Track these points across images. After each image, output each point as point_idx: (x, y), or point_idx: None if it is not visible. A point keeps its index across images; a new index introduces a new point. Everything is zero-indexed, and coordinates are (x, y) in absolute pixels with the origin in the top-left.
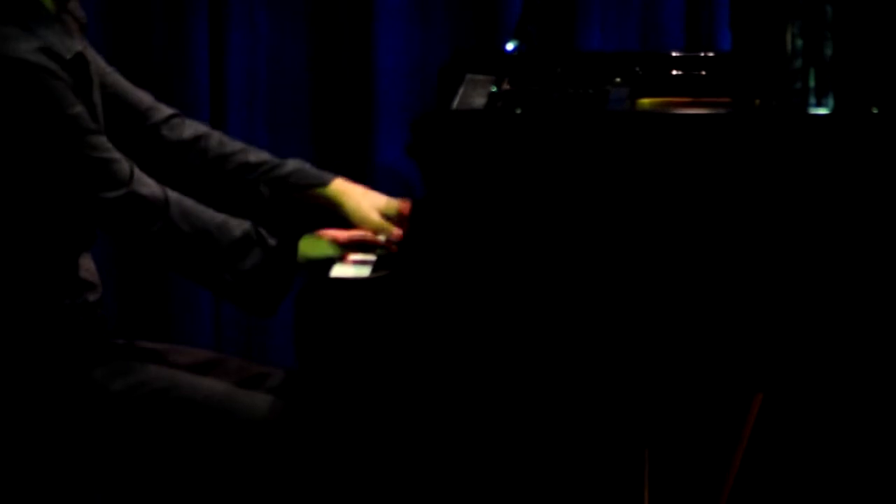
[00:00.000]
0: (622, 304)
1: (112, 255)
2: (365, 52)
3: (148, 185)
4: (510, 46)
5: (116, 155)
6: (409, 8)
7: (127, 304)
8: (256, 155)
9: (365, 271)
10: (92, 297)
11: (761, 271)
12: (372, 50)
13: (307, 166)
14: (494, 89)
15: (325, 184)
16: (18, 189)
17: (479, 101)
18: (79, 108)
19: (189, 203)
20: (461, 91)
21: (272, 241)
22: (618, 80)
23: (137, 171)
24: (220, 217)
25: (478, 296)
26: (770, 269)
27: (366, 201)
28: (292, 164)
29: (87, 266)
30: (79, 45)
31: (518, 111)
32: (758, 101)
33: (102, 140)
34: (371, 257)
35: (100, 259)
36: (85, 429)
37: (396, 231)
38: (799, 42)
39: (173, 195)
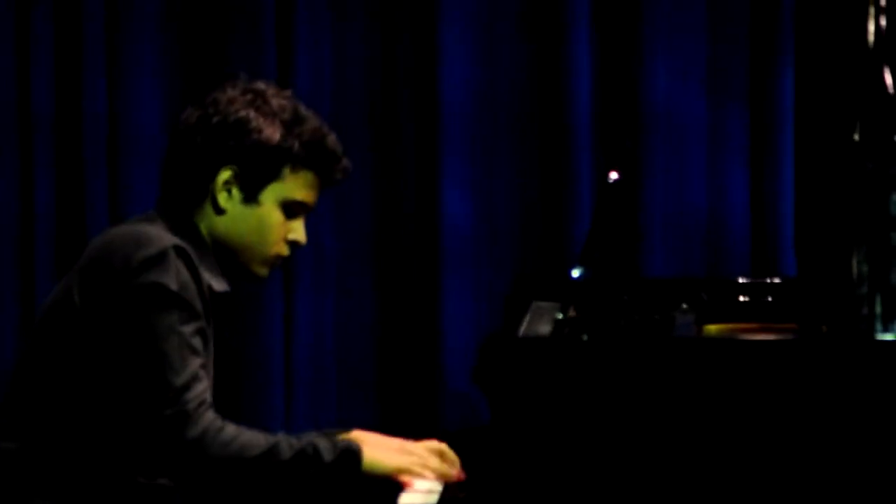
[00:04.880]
0: None
1: None
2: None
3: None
4: (576, 273)
5: (193, 380)
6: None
7: None
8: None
9: (432, 499)
10: (165, 481)
11: (832, 496)
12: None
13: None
14: (560, 316)
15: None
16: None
17: (545, 328)
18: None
19: (233, 433)
20: (527, 318)
21: (328, 458)
22: (684, 306)
23: (209, 411)
24: (268, 441)
25: None
26: (840, 494)
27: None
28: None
29: None
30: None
31: (585, 338)
32: (824, 328)
33: (195, 361)
34: (430, 483)
35: None
36: None
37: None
38: (864, 268)
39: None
